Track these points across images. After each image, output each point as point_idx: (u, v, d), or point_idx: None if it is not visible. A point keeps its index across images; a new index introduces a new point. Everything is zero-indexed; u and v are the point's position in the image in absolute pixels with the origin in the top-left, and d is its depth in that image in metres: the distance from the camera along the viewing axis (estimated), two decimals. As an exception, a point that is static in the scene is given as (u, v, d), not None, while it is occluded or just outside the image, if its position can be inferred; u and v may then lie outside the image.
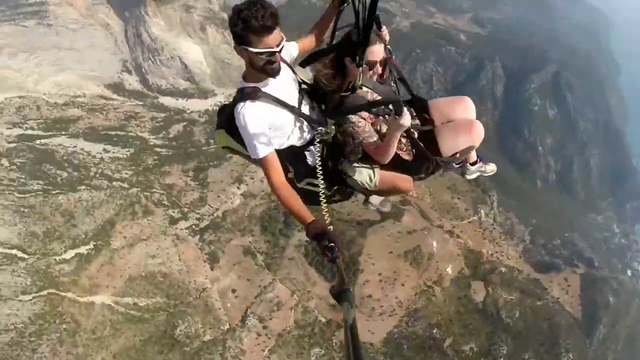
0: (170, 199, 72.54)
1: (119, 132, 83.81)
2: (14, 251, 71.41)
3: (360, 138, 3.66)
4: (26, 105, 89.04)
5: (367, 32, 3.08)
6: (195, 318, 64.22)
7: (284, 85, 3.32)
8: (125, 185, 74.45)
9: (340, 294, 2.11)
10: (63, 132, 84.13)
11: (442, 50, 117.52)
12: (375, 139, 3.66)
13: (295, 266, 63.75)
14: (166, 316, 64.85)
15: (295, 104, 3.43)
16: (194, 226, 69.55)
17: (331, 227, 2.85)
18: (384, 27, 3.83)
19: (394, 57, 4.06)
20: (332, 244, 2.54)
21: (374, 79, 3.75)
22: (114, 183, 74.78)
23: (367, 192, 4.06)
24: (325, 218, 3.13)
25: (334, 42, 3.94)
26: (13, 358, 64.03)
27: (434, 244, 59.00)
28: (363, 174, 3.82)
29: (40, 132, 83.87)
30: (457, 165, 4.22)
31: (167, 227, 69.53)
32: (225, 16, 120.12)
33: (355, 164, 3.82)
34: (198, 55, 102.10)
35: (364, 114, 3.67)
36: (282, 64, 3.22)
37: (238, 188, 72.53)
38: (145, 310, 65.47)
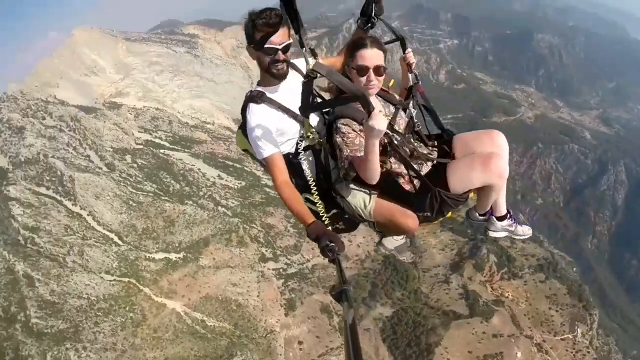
0: (267, 238, 79.12)
1: (236, 165, 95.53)
2: (112, 235, 78.54)
3: (348, 151, 3.20)
4: (160, 118, 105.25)
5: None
6: (255, 356, 64.86)
7: (293, 93, 3.20)
8: (229, 213, 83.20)
9: (340, 294, 2.14)
10: (186, 150, 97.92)
11: (564, 148, 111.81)
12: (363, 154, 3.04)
13: (368, 339, 64.89)
14: (228, 343, 66.14)
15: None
16: (282, 270, 74.41)
17: (331, 228, 3.06)
18: (409, 49, 3.77)
19: (420, 83, 3.79)
20: (333, 245, 2.61)
21: (369, 90, 3.21)
22: (219, 208, 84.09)
23: (362, 220, 3.61)
24: (324, 220, 3.25)
25: None
26: (76, 322, 65.67)
27: (519, 355, 55.98)
28: (357, 198, 3.44)
29: (167, 144, 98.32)
30: (481, 217, 3.82)
31: (256, 263, 75.08)
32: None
33: (352, 186, 3.46)
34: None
35: (356, 125, 3.18)
36: (295, 72, 3.37)
37: (334, 247, 79.05)
38: (210, 331, 67.39)
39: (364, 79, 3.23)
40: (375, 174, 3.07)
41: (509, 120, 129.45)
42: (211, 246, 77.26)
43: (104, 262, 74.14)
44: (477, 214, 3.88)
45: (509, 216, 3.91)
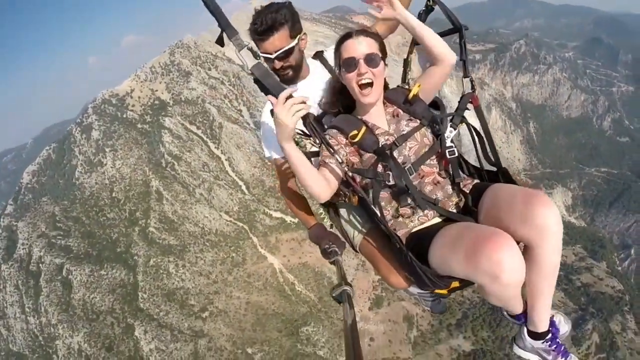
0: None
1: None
2: (241, 183, 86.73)
3: (321, 157, 2.47)
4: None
5: None
6: (325, 332, 66.78)
7: (315, 92, 2.81)
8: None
9: (340, 295, 2.02)
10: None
11: None
12: (331, 163, 2.36)
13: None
14: (306, 311, 68.91)
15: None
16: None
17: (333, 229, 2.92)
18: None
19: (475, 92, 2.71)
20: (333, 246, 2.57)
21: (362, 92, 2.39)
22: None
23: (354, 249, 2.92)
24: (325, 221, 3.06)
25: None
26: (185, 243, 76.03)
27: None
28: (349, 225, 2.88)
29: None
30: (509, 317, 2.48)
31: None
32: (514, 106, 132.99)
33: (343, 210, 2.93)
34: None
35: (341, 137, 2.46)
36: (322, 69, 2.95)
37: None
38: (296, 294, 70.72)
39: (353, 74, 2.37)
40: (313, 189, 2.28)
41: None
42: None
43: (227, 203, 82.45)
44: (504, 311, 2.48)
45: (549, 337, 2.41)
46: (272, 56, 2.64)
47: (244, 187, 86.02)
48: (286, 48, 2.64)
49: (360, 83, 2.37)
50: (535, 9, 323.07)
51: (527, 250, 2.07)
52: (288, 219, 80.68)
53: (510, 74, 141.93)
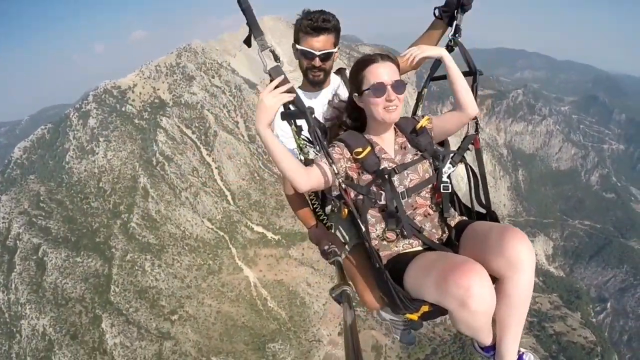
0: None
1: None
2: (227, 193, 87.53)
3: (316, 160, 2.50)
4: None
5: None
6: (292, 351, 66.57)
7: (324, 102, 2.91)
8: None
9: (340, 295, 2.12)
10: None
11: None
12: (324, 166, 2.39)
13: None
14: (275, 328, 68.79)
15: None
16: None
17: (332, 230, 2.92)
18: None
19: (479, 135, 2.84)
20: (333, 247, 2.62)
21: (389, 113, 2.44)
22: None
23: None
24: (326, 223, 2.96)
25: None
26: (164, 243, 76.63)
27: None
28: (338, 233, 2.94)
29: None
30: (479, 349, 2.45)
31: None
32: None
33: (338, 224, 2.96)
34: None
35: (346, 151, 2.49)
36: (334, 87, 3.03)
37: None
38: (267, 310, 70.79)
39: (381, 100, 2.41)
40: (289, 174, 2.29)
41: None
42: (305, 242, 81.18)
43: (210, 211, 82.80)
44: (475, 343, 2.46)
45: None
46: (318, 53, 2.78)
47: (229, 197, 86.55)
48: (329, 51, 2.81)
49: (388, 108, 2.43)
50: (538, 61, 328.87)
51: (498, 284, 2.11)
52: (269, 234, 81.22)
53: (505, 120, 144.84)
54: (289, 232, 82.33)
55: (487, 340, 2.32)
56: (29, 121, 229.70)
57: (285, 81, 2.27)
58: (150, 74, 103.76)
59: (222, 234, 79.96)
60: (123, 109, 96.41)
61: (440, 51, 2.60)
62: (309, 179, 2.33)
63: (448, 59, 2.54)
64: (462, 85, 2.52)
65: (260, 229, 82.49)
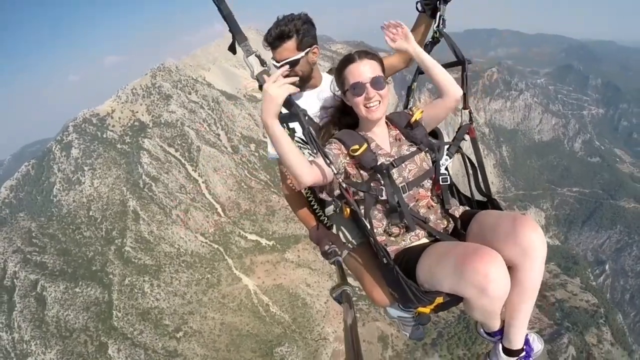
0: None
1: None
2: (217, 206, 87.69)
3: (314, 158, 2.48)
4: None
5: None
6: (299, 352, 67.14)
7: (320, 101, 2.86)
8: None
9: (341, 295, 2.11)
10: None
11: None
12: (321, 163, 2.37)
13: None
14: (280, 332, 69.50)
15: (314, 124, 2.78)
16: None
17: (333, 230, 2.96)
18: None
19: (473, 125, 2.83)
20: (334, 246, 2.63)
21: (371, 111, 2.49)
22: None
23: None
24: (326, 223, 2.99)
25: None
26: (160, 263, 77.09)
27: None
28: (340, 234, 2.96)
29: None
30: (486, 335, 2.56)
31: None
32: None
33: (340, 223, 3.01)
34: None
35: (343, 148, 2.52)
36: (325, 88, 2.94)
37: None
38: (270, 315, 71.29)
39: (361, 99, 2.47)
40: (295, 169, 2.26)
41: (638, 209, 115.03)
42: (300, 244, 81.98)
43: (202, 225, 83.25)
44: (482, 329, 2.57)
45: (523, 355, 2.48)
46: (278, 65, 2.77)
47: (220, 210, 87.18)
48: (292, 59, 2.77)
49: (368, 106, 2.47)
50: (509, 38, 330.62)
51: (510, 271, 2.06)
52: (263, 241, 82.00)
53: (483, 100, 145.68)
54: (283, 237, 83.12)
55: (497, 326, 2.40)
56: (11, 160, 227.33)
57: (293, 79, 2.29)
58: (127, 98, 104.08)
59: (216, 246, 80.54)
60: (104, 135, 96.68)
61: (402, 45, 2.60)
62: (312, 172, 2.32)
63: (414, 51, 2.57)
64: (438, 72, 2.53)
65: (254, 237, 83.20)
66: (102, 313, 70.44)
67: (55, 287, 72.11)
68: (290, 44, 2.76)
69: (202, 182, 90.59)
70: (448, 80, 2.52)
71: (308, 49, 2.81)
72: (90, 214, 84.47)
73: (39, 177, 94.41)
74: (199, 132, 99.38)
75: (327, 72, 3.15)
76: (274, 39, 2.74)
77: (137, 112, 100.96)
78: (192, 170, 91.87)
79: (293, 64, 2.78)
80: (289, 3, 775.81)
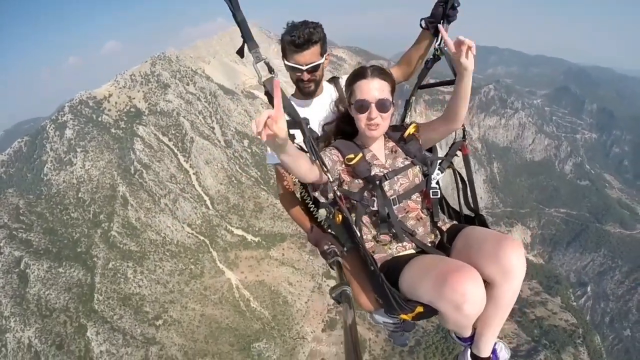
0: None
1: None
2: (206, 198, 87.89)
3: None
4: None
5: None
6: (277, 349, 67.67)
7: (324, 109, 3.00)
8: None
9: (340, 295, 2.14)
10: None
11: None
12: (316, 166, 2.44)
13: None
14: (259, 328, 69.85)
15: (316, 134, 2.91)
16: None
17: (330, 231, 2.98)
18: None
19: (467, 142, 2.88)
20: (332, 247, 2.69)
21: (370, 130, 2.57)
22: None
23: (330, 267, 2.92)
24: (323, 224, 3.00)
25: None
26: (145, 250, 77.28)
27: None
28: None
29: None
30: (457, 339, 2.65)
31: (318, 275, 78.34)
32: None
33: (332, 229, 3.01)
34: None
35: (339, 156, 2.63)
36: (326, 96, 3.05)
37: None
38: (250, 310, 71.67)
39: (364, 117, 2.54)
40: (306, 179, 2.43)
41: (623, 234, 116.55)
42: (285, 243, 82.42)
43: (190, 216, 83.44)
44: (454, 333, 2.64)
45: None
46: (304, 68, 2.79)
47: (208, 202, 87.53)
48: (316, 63, 2.80)
49: (369, 125, 2.53)
50: (510, 57, 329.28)
51: (488, 287, 2.15)
52: (249, 237, 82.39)
53: (478, 115, 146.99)
54: (269, 234, 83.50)
55: (468, 334, 2.50)
56: (4, 136, 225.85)
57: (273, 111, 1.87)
58: (126, 83, 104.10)
59: (202, 238, 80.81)
60: (99, 118, 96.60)
61: (469, 64, 2.38)
62: (313, 173, 2.39)
63: (470, 72, 2.40)
64: (464, 98, 2.46)
65: (240, 232, 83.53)
66: (83, 295, 70.38)
67: (39, 266, 71.91)
68: (316, 48, 2.79)
69: (193, 174, 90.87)
70: (464, 110, 2.50)
71: (325, 55, 2.88)
72: (79, 195, 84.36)
73: (30, 155, 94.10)
74: (194, 123, 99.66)
75: (327, 81, 3.17)
76: (303, 42, 2.72)
77: (134, 98, 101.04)
78: (184, 160, 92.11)
79: (316, 67, 2.84)
80: (289, 3, 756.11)
